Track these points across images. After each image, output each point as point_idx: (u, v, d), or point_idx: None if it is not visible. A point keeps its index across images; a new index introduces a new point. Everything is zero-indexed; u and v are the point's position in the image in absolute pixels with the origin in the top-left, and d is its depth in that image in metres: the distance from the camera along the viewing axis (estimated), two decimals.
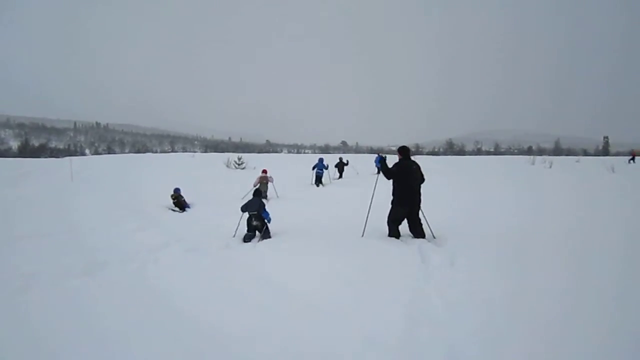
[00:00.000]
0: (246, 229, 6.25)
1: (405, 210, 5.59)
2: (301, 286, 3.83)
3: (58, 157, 34.66)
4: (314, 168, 14.91)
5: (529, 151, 77.15)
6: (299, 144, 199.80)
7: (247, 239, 6.05)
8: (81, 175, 16.70)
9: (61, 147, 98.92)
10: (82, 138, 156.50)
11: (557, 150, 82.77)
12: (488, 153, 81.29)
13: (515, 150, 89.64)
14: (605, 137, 75.45)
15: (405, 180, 5.58)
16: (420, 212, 5.68)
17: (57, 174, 16.55)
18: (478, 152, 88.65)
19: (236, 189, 12.09)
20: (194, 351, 2.70)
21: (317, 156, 18.37)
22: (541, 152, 71.82)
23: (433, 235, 5.49)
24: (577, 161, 29.49)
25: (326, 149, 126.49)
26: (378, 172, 5.89)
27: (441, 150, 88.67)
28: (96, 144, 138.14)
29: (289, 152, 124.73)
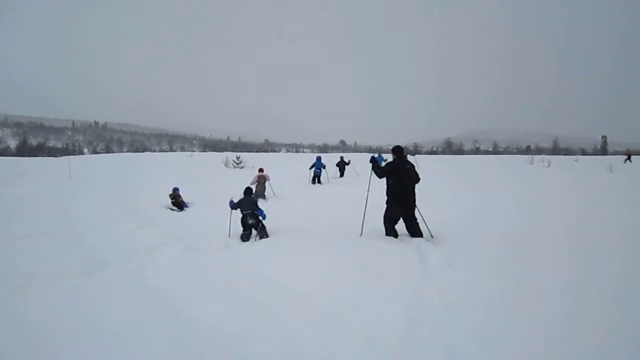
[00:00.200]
0: (242, 228, 6.23)
1: (400, 209, 5.59)
2: (300, 286, 3.83)
3: (56, 156, 34.59)
4: (311, 167, 14.91)
5: (527, 150, 77.37)
6: (298, 143, 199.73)
7: (245, 237, 6.04)
8: (79, 174, 16.65)
9: (59, 146, 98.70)
10: (81, 137, 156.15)
11: (556, 150, 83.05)
12: (486, 152, 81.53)
13: (514, 150, 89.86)
14: (604, 137, 75.77)
15: (399, 179, 5.58)
16: (416, 212, 5.69)
17: (55, 173, 16.51)
18: (476, 151, 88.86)
19: (235, 188, 12.06)
20: (193, 351, 2.70)
21: (315, 155, 18.40)
22: (539, 151, 72.01)
23: (431, 235, 5.50)
24: (575, 160, 29.61)
25: (325, 149, 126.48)
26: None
27: (440, 149, 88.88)
28: (94, 143, 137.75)
29: (288, 151, 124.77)
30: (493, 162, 28.75)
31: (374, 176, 5.80)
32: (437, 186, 11.92)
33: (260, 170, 11.78)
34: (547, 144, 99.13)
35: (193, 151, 64.44)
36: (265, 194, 11.15)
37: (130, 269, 4.53)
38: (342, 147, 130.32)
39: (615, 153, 54.91)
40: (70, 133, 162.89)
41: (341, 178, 16.70)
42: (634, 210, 7.52)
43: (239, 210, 6.39)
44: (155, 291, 3.85)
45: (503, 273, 3.96)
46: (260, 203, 7.81)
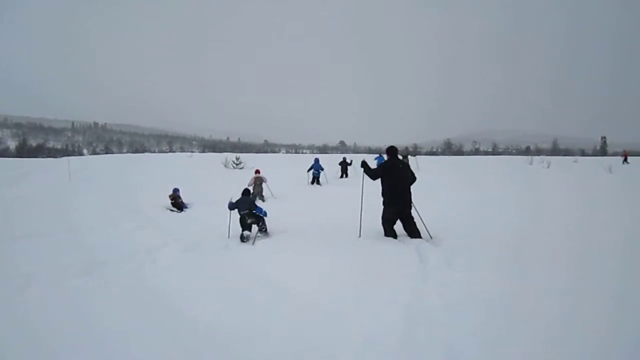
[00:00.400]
0: (241, 228, 6.23)
1: (396, 209, 5.61)
2: (300, 286, 3.83)
3: (56, 157, 34.57)
4: (310, 170, 14.96)
5: (526, 151, 77.40)
6: (297, 144, 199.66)
7: (245, 238, 6.04)
8: (79, 175, 16.64)
9: (59, 147, 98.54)
10: (80, 138, 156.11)
11: (555, 151, 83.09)
12: (486, 153, 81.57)
13: (513, 151, 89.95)
14: (603, 138, 75.78)
15: (391, 179, 5.61)
16: (413, 211, 5.70)
17: (55, 174, 16.50)
18: (476, 152, 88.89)
19: (234, 189, 12.03)
20: (193, 351, 2.70)
21: (313, 157, 18.51)
22: (539, 152, 72.04)
23: (430, 236, 5.50)
24: (574, 161, 29.63)
25: (324, 149, 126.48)
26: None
27: (439, 150, 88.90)
28: (94, 144, 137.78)
29: (288, 152, 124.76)
30: (493, 162, 28.80)
31: (368, 178, 5.83)
32: (437, 187, 11.94)
33: (257, 171, 11.75)
34: (547, 145, 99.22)
35: (193, 152, 64.39)
36: (264, 194, 11.12)
37: (130, 269, 4.53)
38: (342, 147, 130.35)
39: (615, 154, 54.99)
40: (69, 134, 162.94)
41: (343, 179, 16.89)
42: (634, 211, 7.53)
43: (237, 210, 6.39)
44: (155, 291, 3.85)
45: (503, 273, 3.96)
46: (259, 204, 7.81)
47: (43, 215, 8.14)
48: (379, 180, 5.76)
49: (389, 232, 5.63)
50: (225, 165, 22.82)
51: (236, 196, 6.83)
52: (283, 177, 15.44)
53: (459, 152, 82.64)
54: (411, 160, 19.32)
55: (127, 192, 12.39)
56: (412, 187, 5.78)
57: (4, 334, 2.98)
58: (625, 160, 26.07)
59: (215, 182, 15.06)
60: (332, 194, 11.82)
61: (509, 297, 3.36)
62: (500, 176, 17.16)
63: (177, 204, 9.71)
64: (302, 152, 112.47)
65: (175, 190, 9.97)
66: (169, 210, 9.45)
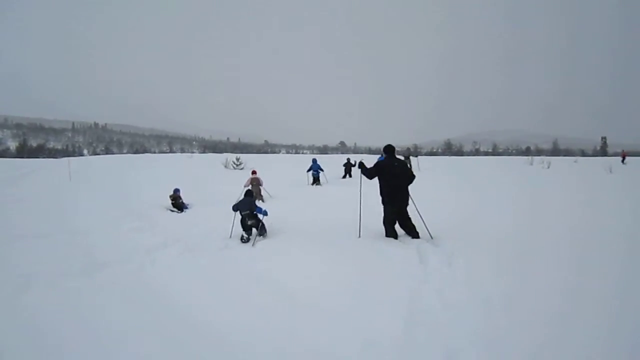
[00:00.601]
0: (242, 229, 6.23)
1: (394, 208, 5.62)
2: (300, 286, 3.84)
3: (56, 158, 34.59)
4: (309, 170, 15.04)
5: (527, 152, 77.36)
6: (298, 144, 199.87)
7: (245, 239, 6.04)
8: (79, 175, 16.64)
9: (59, 147, 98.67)
10: (80, 138, 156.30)
11: (555, 151, 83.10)
12: (486, 153, 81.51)
13: (514, 151, 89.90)
14: (603, 138, 75.70)
15: (388, 178, 5.62)
16: (414, 211, 5.72)
17: (55, 175, 16.49)
18: (476, 152, 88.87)
19: (235, 189, 12.06)
20: (193, 351, 2.70)
21: (311, 158, 18.62)
22: (539, 152, 72.03)
23: (431, 236, 5.49)
24: (575, 162, 29.62)
25: (325, 150, 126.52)
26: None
27: (439, 150, 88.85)
28: (94, 145, 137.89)
29: (288, 152, 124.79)
30: (493, 163, 28.78)
31: (365, 178, 5.85)
32: (437, 187, 11.94)
33: (253, 172, 11.71)
34: (547, 145, 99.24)
35: (193, 152, 64.43)
36: (262, 194, 11.09)
37: (130, 270, 4.53)
38: (342, 148, 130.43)
39: (615, 154, 54.98)
40: (70, 134, 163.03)
41: (345, 179, 16.98)
42: (634, 211, 7.53)
43: (239, 211, 6.39)
44: (155, 292, 3.85)
45: (503, 273, 3.96)
46: (259, 205, 7.80)
47: (43, 215, 8.14)
48: (376, 180, 5.77)
49: (390, 233, 5.64)
50: (225, 166, 22.82)
51: (238, 196, 6.83)
52: (283, 178, 15.45)
53: (459, 153, 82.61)
54: (413, 161, 19.36)
55: (128, 192, 12.39)
56: (412, 186, 5.78)
57: (4, 334, 2.98)
58: (623, 160, 26.09)
59: (216, 182, 15.06)
60: (332, 194, 11.82)
61: (509, 297, 3.36)
62: (500, 176, 17.15)
63: (178, 204, 9.71)
64: (303, 153, 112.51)
65: (176, 191, 9.97)
66: (169, 211, 9.45)
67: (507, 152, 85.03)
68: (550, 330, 2.78)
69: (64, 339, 2.89)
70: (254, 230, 6.18)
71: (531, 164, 25.02)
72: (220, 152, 59.45)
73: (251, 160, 25.28)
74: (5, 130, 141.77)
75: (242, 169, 22.08)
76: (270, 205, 9.30)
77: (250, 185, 10.82)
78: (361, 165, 5.92)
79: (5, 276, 4.20)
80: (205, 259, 5.05)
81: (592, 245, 5.01)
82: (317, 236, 5.96)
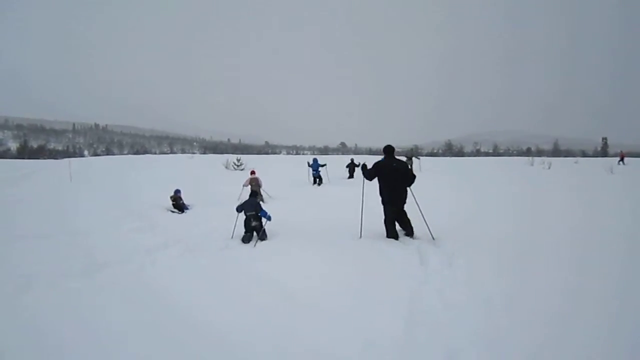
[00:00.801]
0: (244, 230, 6.23)
1: (393, 208, 5.65)
2: (300, 286, 3.83)
3: (57, 159, 34.64)
4: (310, 166, 15.13)
5: (527, 152, 77.34)
6: (298, 145, 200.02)
7: (246, 239, 6.04)
8: (80, 176, 16.66)
9: (60, 148, 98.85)
10: (81, 139, 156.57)
11: (556, 152, 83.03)
12: (487, 154, 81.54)
13: (514, 152, 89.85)
14: (604, 138, 75.64)
15: (385, 179, 5.66)
16: (415, 209, 5.74)
17: (56, 175, 16.51)
18: (477, 153, 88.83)
19: (235, 190, 12.08)
20: (193, 351, 2.69)
21: (312, 157, 18.72)
22: (540, 153, 71.98)
23: (432, 236, 5.49)
24: (575, 162, 29.63)
25: (325, 150, 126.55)
26: None
27: (440, 151, 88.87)
28: (95, 145, 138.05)
29: (289, 153, 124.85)
30: (493, 164, 28.79)
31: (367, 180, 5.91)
32: (438, 188, 11.94)
33: (252, 172, 11.69)
34: (548, 146, 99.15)
35: (194, 153, 64.48)
36: (262, 194, 11.08)
37: (131, 270, 4.53)
38: (343, 149, 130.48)
39: (615, 155, 54.99)
40: (70, 135, 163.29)
41: (349, 179, 17.06)
42: (634, 211, 7.52)
43: (243, 212, 6.39)
44: (155, 292, 3.85)
45: (503, 274, 3.96)
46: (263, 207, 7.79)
47: (44, 216, 8.15)
48: (376, 181, 5.79)
49: (391, 233, 5.64)
50: (226, 167, 22.86)
51: (238, 196, 6.83)
52: (284, 178, 15.45)
53: (460, 153, 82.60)
54: (415, 162, 19.39)
55: (128, 193, 12.40)
56: (412, 187, 5.79)
57: (4, 335, 2.98)
58: (621, 160, 26.02)
59: (217, 183, 15.08)
60: (332, 194, 11.82)
61: (509, 297, 3.36)
62: (501, 177, 17.15)
63: (178, 205, 9.72)
64: (303, 153, 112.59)
65: (177, 192, 9.98)
66: (170, 212, 9.45)
67: (507, 153, 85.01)
68: (551, 330, 2.78)
69: (64, 339, 2.89)
70: (254, 234, 6.19)
71: (532, 165, 25.03)
72: (221, 152, 59.51)
73: (252, 161, 25.31)
74: (6, 131, 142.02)
75: (242, 169, 22.10)
76: (270, 205, 9.30)
77: (250, 186, 10.81)
78: (363, 167, 5.95)
79: (6, 276, 4.20)
80: (206, 259, 5.05)
81: (593, 245, 5.00)
82: (318, 236, 5.96)
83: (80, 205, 9.60)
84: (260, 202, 10.34)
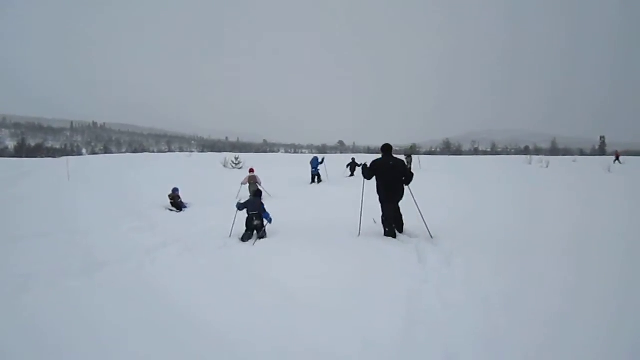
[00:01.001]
0: (245, 228, 6.22)
1: (391, 206, 5.67)
2: (300, 286, 3.83)
3: (55, 157, 34.53)
4: (311, 162, 15.18)
5: (525, 151, 77.41)
6: (297, 144, 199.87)
7: (246, 238, 6.03)
8: (78, 175, 16.62)
9: (58, 147, 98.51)
10: (79, 138, 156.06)
11: (554, 150, 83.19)
12: (485, 153, 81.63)
13: (512, 150, 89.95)
14: (602, 137, 75.81)
15: (382, 177, 5.68)
16: (413, 208, 5.76)
17: (54, 174, 16.48)
18: (475, 152, 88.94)
19: (234, 188, 12.07)
20: (193, 350, 2.69)
21: (311, 155, 18.80)
22: (538, 152, 72.10)
23: (431, 235, 5.50)
24: (573, 161, 29.72)
25: (323, 149, 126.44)
26: None
27: (438, 150, 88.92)
28: (93, 144, 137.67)
29: (287, 152, 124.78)
30: (491, 162, 28.83)
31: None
32: (436, 186, 11.95)
33: (251, 170, 11.68)
34: (546, 145, 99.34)
35: (192, 152, 64.35)
36: (262, 191, 11.02)
37: (130, 269, 4.52)
38: (341, 147, 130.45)
39: (613, 154, 55.21)
40: (68, 134, 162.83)
41: (348, 178, 17.10)
42: (633, 211, 7.54)
43: (244, 211, 6.38)
44: (154, 291, 3.84)
45: (502, 273, 3.97)
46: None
47: (42, 215, 8.13)
48: (374, 180, 5.81)
49: (389, 232, 5.66)
50: (224, 165, 22.82)
51: (236, 194, 6.81)
52: (283, 177, 15.44)
53: (458, 152, 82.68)
54: (414, 159, 19.46)
55: (127, 192, 12.38)
56: (411, 185, 5.81)
57: (3, 334, 2.97)
58: (617, 159, 26.09)
59: (215, 182, 15.06)
60: (331, 193, 11.82)
61: (508, 296, 3.36)
62: (499, 176, 17.18)
63: (177, 203, 9.70)
64: (302, 152, 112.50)
65: (175, 190, 9.96)
66: (168, 210, 9.44)
67: (506, 152, 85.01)
68: (550, 330, 2.78)
69: (64, 338, 2.88)
70: (255, 232, 6.19)
71: (530, 163, 25.07)
72: (219, 151, 59.37)
73: (250, 160, 25.27)
74: (3, 129, 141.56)
75: (240, 168, 22.07)
76: (269, 204, 9.27)
77: (248, 184, 10.78)
78: (364, 167, 5.96)
79: (5, 276, 4.20)
80: (205, 258, 5.04)
81: (592, 244, 5.02)
82: (317, 235, 5.96)
83: (79, 204, 9.59)
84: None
